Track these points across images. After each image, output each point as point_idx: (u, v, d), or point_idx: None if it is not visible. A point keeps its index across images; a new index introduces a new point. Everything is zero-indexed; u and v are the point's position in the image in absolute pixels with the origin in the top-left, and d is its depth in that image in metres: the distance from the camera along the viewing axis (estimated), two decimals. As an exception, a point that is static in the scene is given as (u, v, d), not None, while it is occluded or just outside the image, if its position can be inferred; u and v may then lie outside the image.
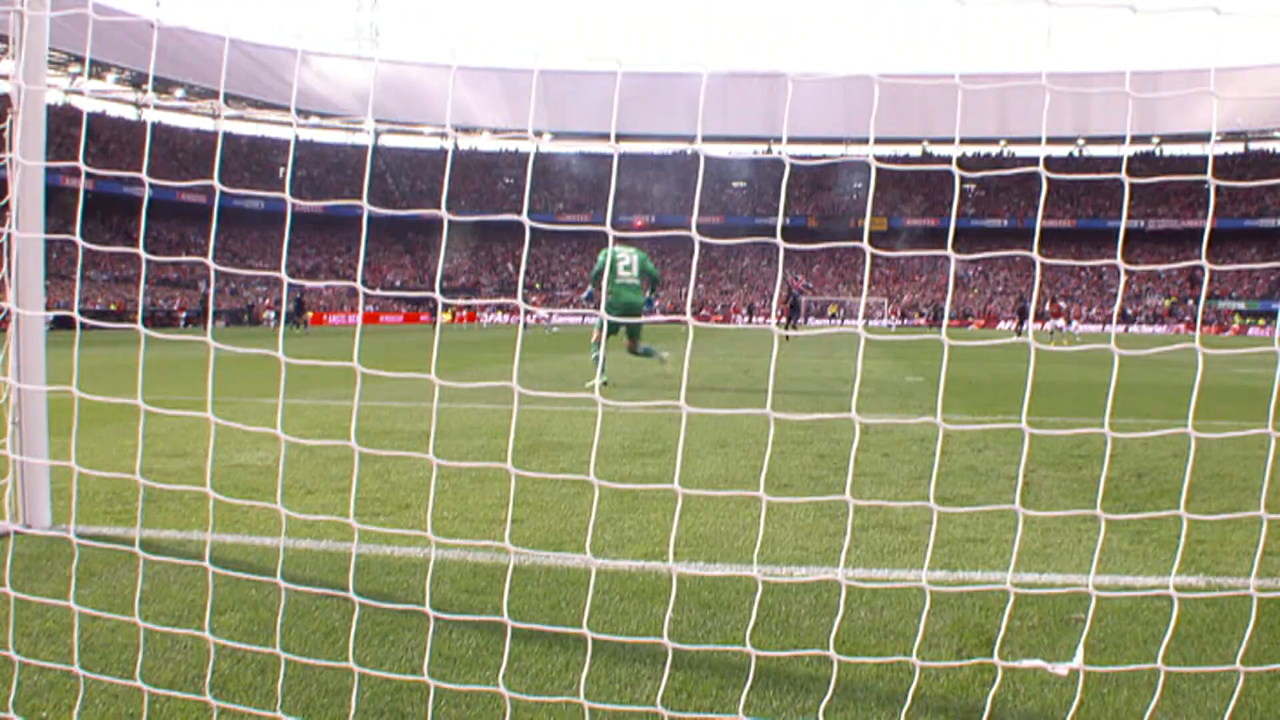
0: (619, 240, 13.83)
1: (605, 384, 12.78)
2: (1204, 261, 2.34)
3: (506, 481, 5.82)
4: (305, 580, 3.82)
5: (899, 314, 78.30)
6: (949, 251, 2.24)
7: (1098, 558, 4.35)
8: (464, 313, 69.55)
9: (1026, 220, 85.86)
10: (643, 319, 10.88)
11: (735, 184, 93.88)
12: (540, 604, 3.64)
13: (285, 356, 2.53)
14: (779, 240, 2.19)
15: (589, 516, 4.96)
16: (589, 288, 13.95)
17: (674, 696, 2.80)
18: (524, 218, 2.29)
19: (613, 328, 13.40)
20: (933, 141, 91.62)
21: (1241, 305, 78.05)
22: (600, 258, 13.31)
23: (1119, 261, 2.28)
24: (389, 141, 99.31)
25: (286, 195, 2.36)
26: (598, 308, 14.28)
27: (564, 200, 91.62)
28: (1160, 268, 2.40)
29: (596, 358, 12.99)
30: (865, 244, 2.19)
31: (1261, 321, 75.03)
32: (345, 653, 2.91)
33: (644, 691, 2.83)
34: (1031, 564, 4.32)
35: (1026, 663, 2.77)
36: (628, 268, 13.33)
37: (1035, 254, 2.35)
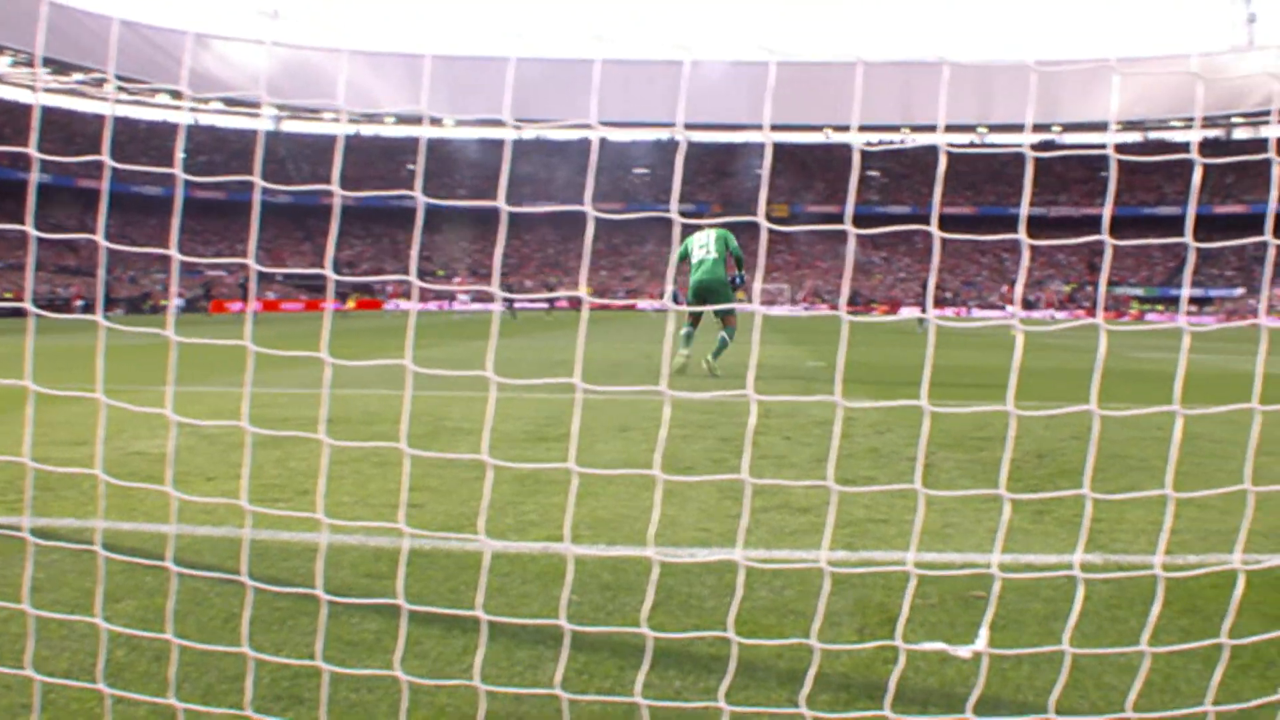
0: (706, 226, 13.36)
1: (685, 361, 12.58)
2: (1105, 235, 2.38)
3: (409, 466, 5.79)
4: (204, 566, 3.77)
5: (809, 300, 79.10)
6: (847, 226, 2.26)
7: (999, 537, 4.44)
8: (433, 298, 68.53)
9: (928, 207, 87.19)
10: (724, 305, 10.55)
11: (637, 171, 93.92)
12: (440, 588, 3.62)
13: (177, 336, 2.48)
14: (674, 215, 2.19)
15: (490, 500, 4.96)
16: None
17: (575, 678, 2.80)
18: (417, 193, 2.26)
19: (696, 309, 13.10)
20: (835, 129, 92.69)
21: (1140, 291, 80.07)
22: (681, 247, 12.92)
23: (1021, 235, 2.31)
24: (291, 127, 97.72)
25: (177, 170, 2.31)
26: (675, 301, 13.71)
27: (465, 185, 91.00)
28: (1061, 242, 2.44)
29: (685, 334, 12.94)
30: (761, 218, 2.20)
31: (1160, 307, 76.77)
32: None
33: (545, 674, 2.83)
34: (932, 544, 4.37)
35: (928, 645, 2.78)
36: (703, 245, 12.67)
37: (934, 229, 2.38)
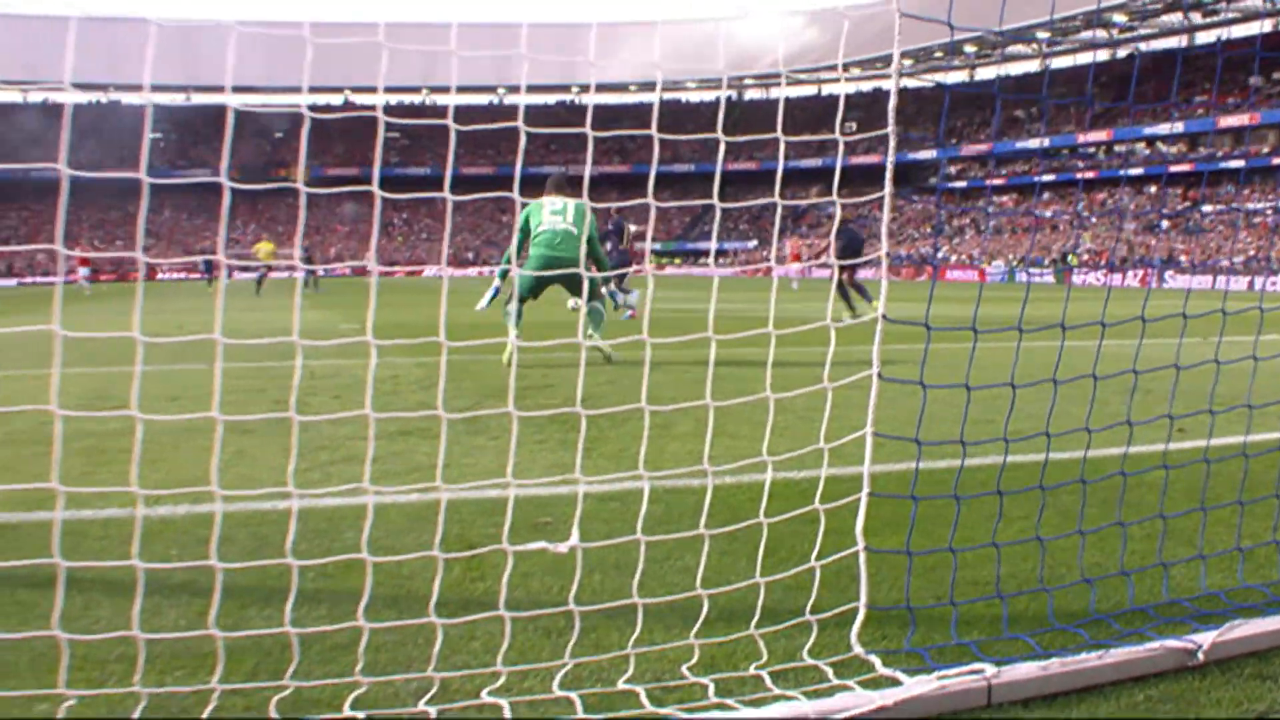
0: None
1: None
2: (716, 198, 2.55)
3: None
4: None
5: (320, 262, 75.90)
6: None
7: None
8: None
9: (448, 169, 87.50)
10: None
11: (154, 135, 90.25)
12: None
13: None
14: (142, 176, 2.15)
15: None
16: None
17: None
18: None
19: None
20: (355, 90, 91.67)
21: (658, 246, 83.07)
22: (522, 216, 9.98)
23: (445, 193, 2.85)
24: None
25: None
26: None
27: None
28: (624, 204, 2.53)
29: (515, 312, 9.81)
30: (224, 183, 2.36)
31: (678, 260, 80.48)
32: None
33: None
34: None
35: (533, 546, 3.00)
36: (557, 212, 9.99)
37: (376, 192, 2.51)
